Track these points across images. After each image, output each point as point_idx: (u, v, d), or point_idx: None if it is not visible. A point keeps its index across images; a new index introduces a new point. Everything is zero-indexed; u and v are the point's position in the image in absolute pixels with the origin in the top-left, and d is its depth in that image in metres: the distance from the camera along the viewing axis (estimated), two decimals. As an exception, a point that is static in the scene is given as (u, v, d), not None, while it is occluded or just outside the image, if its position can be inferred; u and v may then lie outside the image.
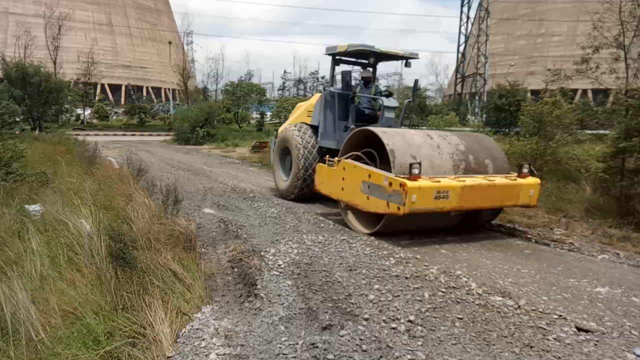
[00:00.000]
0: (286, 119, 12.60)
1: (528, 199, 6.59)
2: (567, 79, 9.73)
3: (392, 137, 6.37)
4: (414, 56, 8.58)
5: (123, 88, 72.03)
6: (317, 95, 9.42)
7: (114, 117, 43.49)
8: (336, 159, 7.04)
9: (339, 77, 8.96)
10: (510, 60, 52.92)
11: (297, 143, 8.64)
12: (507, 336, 3.50)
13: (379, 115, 8.24)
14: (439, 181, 5.86)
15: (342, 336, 3.43)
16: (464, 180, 6.06)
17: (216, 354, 3.17)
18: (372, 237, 6.24)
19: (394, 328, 3.57)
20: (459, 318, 3.78)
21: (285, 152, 9.35)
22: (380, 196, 5.97)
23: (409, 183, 5.59)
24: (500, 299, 4.19)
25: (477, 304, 4.07)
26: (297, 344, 3.32)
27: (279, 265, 5.04)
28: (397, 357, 3.16)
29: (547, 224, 7.49)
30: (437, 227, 6.75)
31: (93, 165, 9.82)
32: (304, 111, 9.61)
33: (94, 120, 37.21)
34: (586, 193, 8.68)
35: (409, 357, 3.17)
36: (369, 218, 6.57)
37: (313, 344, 3.31)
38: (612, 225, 7.21)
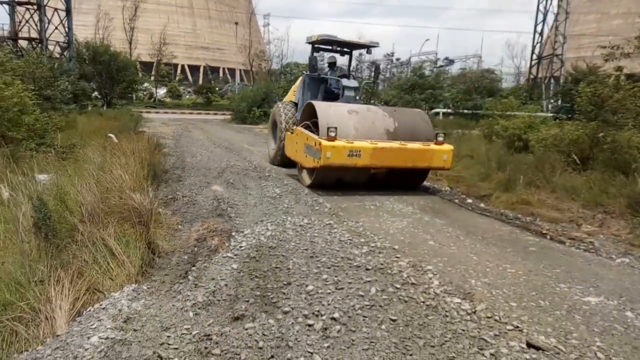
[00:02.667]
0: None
1: (442, 162, 7.80)
2: (625, 56, 8.43)
3: (324, 109, 7.78)
4: (374, 45, 10.03)
5: (201, 69, 74.67)
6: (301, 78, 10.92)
7: (187, 96, 45.13)
8: (294, 127, 8.60)
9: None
10: (602, 42, 48.12)
11: (281, 117, 10.05)
12: (435, 346, 2.97)
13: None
14: (352, 142, 7.20)
15: (246, 329, 3.09)
16: (376, 144, 7.35)
17: (98, 337, 2.96)
18: (364, 226, 5.79)
19: (310, 325, 3.17)
20: (392, 320, 3.29)
21: (274, 125, 10.72)
22: (312, 154, 7.39)
23: (324, 142, 7.02)
24: (458, 301, 3.63)
25: (426, 305, 3.55)
26: (190, 334, 3.03)
27: (241, 247, 4.77)
28: (287, 359, 2.78)
29: (577, 219, 6.57)
30: (361, 181, 8.13)
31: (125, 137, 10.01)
32: (292, 91, 11.24)
33: (167, 99, 38.83)
34: (637, 187, 7.55)
35: (301, 360, 2.77)
36: (312, 174, 7.93)
37: (207, 335, 3.01)
38: (657, 225, 6.19)
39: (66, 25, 29.98)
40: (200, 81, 69.82)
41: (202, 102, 36.03)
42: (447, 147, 7.80)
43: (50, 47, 28.26)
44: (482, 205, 7.34)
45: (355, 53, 11.46)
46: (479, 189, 8.08)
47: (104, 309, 3.34)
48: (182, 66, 72.67)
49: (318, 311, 3.36)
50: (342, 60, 11.50)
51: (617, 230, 6.31)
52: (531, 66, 30.69)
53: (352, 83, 9.50)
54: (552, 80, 27.76)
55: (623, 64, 9.17)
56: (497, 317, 3.37)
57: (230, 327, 3.12)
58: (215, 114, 32.85)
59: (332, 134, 7.06)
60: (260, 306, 3.43)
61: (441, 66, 71.07)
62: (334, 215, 6.19)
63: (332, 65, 10.40)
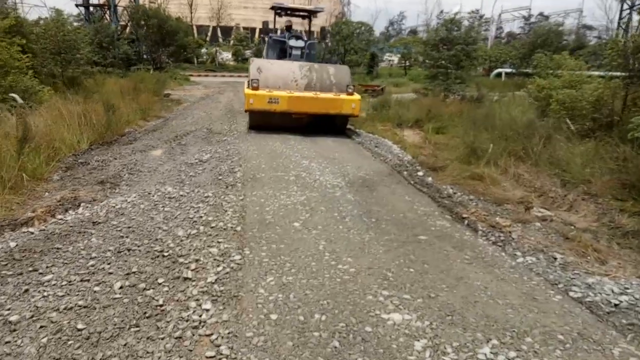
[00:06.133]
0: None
1: (351, 109, 9.07)
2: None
3: (259, 65, 9.20)
4: (319, 10, 12.14)
5: (278, 32, 74.51)
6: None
7: (254, 60, 45.11)
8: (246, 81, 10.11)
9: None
10: None
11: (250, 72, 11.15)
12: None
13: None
14: (272, 92, 8.71)
15: None
16: (292, 93, 8.78)
17: None
18: (245, 200, 4.99)
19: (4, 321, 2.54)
20: (77, 329, 2.54)
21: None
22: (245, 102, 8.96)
23: (247, 90, 8.81)
24: (208, 307, 2.79)
25: (159, 311, 2.75)
26: None
27: (64, 220, 4.22)
28: None
29: (533, 200, 5.22)
30: (290, 126, 9.35)
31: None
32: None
33: (230, 63, 39.06)
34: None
35: None
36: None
37: None
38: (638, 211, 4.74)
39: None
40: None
41: (262, 65, 35.79)
42: (356, 97, 9.15)
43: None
44: (429, 178, 6.12)
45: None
46: (439, 159, 6.80)
47: None
48: (260, 30, 73.02)
49: (9, 307, 2.71)
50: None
51: (584, 216, 4.94)
52: (620, 17, 26.42)
53: (298, 43, 10.90)
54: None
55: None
56: (223, 334, 2.50)
57: None
58: (271, 77, 32.37)
59: (255, 85, 8.71)
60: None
61: (533, 22, 64.68)
62: (229, 187, 5.42)
63: (289, 28, 11.59)
